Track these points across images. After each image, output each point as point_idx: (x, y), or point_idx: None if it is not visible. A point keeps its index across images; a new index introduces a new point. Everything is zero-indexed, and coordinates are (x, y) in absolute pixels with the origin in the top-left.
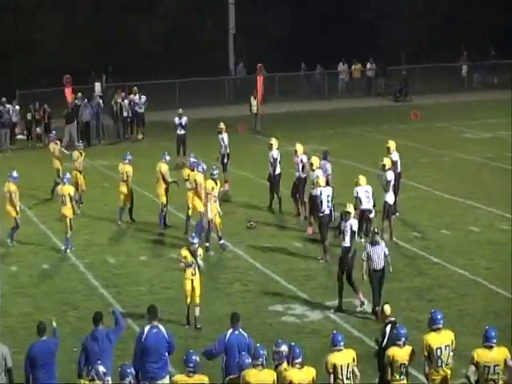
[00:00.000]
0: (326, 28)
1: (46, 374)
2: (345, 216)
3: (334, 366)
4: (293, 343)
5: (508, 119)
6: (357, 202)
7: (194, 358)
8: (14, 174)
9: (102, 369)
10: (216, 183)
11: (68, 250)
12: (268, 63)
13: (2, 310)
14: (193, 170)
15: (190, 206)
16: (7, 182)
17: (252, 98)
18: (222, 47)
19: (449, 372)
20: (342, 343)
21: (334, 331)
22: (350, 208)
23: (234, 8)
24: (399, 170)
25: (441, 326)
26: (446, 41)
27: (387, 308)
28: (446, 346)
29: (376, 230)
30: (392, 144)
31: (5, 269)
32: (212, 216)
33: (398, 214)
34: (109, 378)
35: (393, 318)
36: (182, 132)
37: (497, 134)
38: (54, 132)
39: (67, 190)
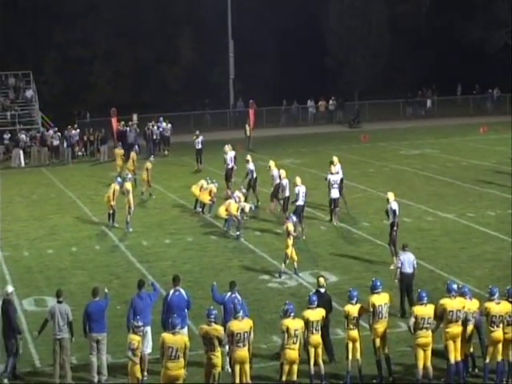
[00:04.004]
0: (301, 74)
1: (98, 326)
2: (387, 201)
3: (308, 320)
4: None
5: (431, 140)
6: (296, 197)
7: (214, 312)
8: (119, 179)
9: (136, 323)
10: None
11: (130, 230)
12: (258, 100)
13: (65, 279)
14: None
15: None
16: (113, 184)
17: (246, 125)
18: (224, 88)
19: (386, 322)
20: (315, 303)
21: (310, 293)
22: (389, 195)
23: (234, 60)
24: (341, 176)
25: (380, 289)
26: (388, 83)
27: (321, 279)
28: (384, 304)
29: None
30: (335, 158)
31: (68, 249)
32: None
33: (347, 205)
34: (143, 328)
35: (322, 290)
36: (199, 147)
37: (423, 151)
38: (137, 146)
39: (128, 185)
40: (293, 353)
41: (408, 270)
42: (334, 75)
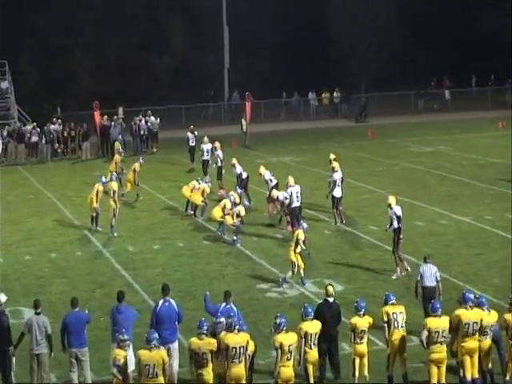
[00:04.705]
0: (302, 64)
1: (77, 340)
2: (389, 207)
3: (306, 334)
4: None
5: (445, 136)
6: (290, 200)
7: (206, 323)
8: (103, 179)
9: (121, 337)
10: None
11: (115, 234)
12: (255, 92)
13: (44, 288)
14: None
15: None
16: (97, 184)
17: (242, 120)
18: (219, 79)
19: (405, 333)
20: (311, 314)
21: (306, 304)
22: (390, 200)
23: (229, 48)
24: (341, 175)
25: (394, 301)
26: (397, 74)
27: (330, 288)
28: (399, 313)
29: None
30: (333, 156)
31: (47, 255)
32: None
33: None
34: (129, 342)
35: (331, 299)
36: (193, 144)
37: (436, 148)
38: (121, 148)
39: (114, 185)
40: (288, 370)
41: (429, 283)
42: (338, 65)
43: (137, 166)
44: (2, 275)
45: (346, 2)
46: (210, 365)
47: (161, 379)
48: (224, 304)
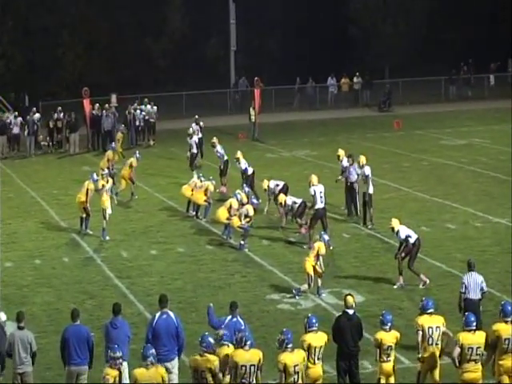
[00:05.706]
0: (318, 46)
1: (78, 357)
2: (392, 231)
3: (310, 346)
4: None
5: (480, 127)
6: (313, 200)
7: (207, 339)
8: (94, 176)
9: (112, 354)
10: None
11: (107, 238)
12: (265, 77)
13: (27, 299)
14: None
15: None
16: (88, 181)
17: (251, 109)
18: (224, 63)
19: (437, 352)
20: (316, 325)
21: (309, 314)
22: (393, 223)
23: (235, 28)
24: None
25: (432, 310)
26: (426, 57)
27: (350, 299)
28: (436, 327)
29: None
30: (341, 152)
31: (30, 262)
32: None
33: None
34: (121, 360)
35: (351, 311)
36: (199, 136)
37: (471, 140)
38: (113, 143)
39: (104, 182)
40: None
41: (473, 295)
42: (359, 47)
43: (133, 161)
44: None
45: None
46: None
47: None
48: (230, 317)
